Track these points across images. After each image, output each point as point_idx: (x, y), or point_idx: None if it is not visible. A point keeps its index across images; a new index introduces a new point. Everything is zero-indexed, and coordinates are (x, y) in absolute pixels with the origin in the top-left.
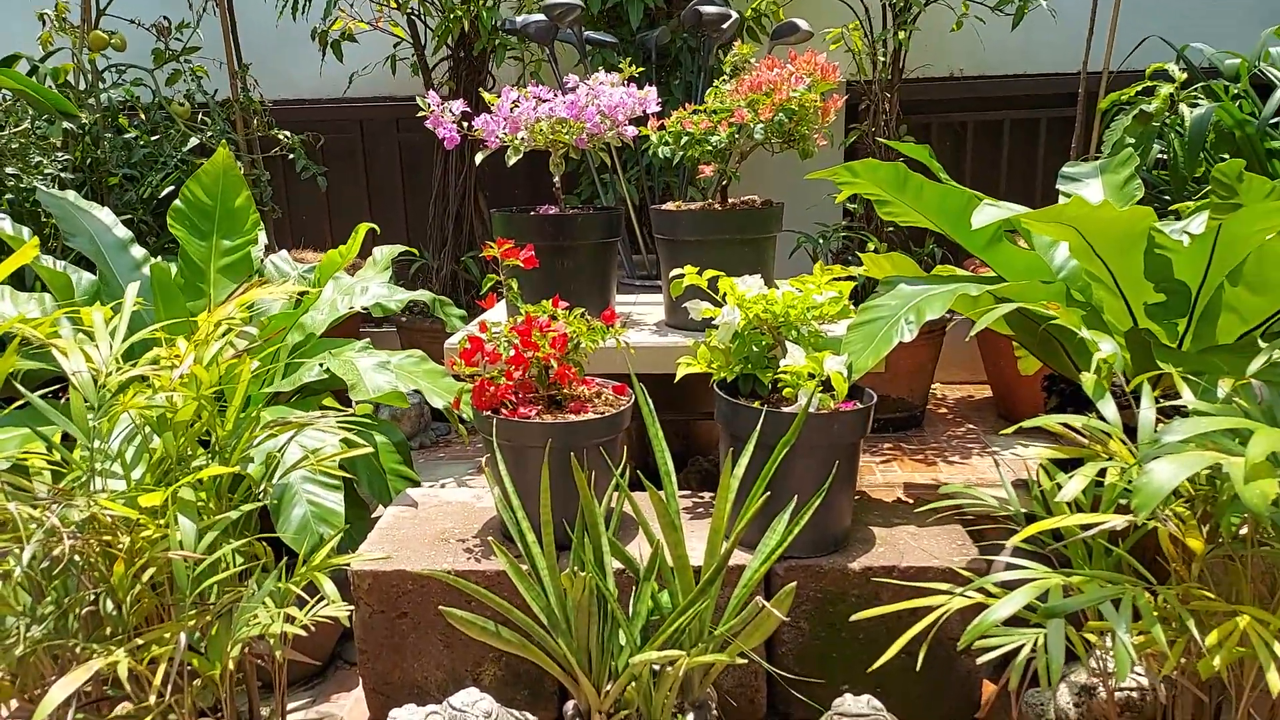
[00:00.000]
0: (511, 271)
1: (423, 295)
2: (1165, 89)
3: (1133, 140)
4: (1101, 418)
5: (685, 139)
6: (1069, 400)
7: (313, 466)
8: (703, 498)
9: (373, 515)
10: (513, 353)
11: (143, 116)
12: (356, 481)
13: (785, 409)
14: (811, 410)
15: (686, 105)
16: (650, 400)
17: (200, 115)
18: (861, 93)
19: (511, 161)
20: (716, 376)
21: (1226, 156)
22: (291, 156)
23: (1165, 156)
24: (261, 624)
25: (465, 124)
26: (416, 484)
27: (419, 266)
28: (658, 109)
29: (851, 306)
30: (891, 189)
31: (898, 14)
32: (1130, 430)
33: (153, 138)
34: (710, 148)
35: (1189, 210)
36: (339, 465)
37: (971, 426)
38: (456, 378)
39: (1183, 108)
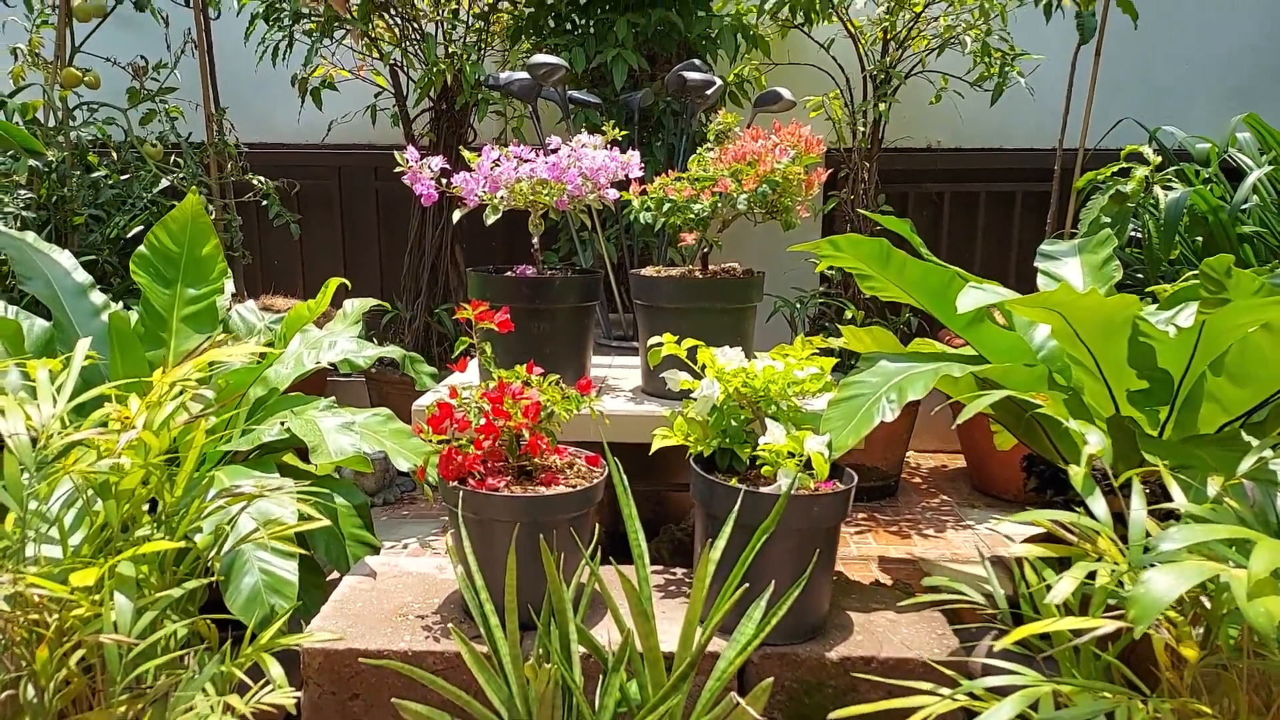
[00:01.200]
0: (485, 335)
1: (393, 351)
2: (1141, 171)
3: (1109, 219)
4: (1090, 514)
5: (668, 205)
6: (1048, 482)
7: (265, 539)
8: (674, 574)
9: (329, 579)
10: (483, 421)
11: (114, 156)
12: (313, 546)
13: (764, 489)
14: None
15: (669, 171)
16: (624, 471)
17: (173, 157)
18: (841, 161)
19: (490, 220)
20: (693, 450)
21: (1200, 239)
22: (265, 203)
23: (1139, 236)
24: (198, 714)
25: (444, 181)
26: (376, 550)
27: (391, 317)
28: (640, 174)
29: (832, 381)
30: (874, 265)
31: (878, 86)
32: (1118, 516)
33: (122, 177)
34: (693, 215)
35: (1166, 294)
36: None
37: (946, 498)
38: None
39: (1157, 190)
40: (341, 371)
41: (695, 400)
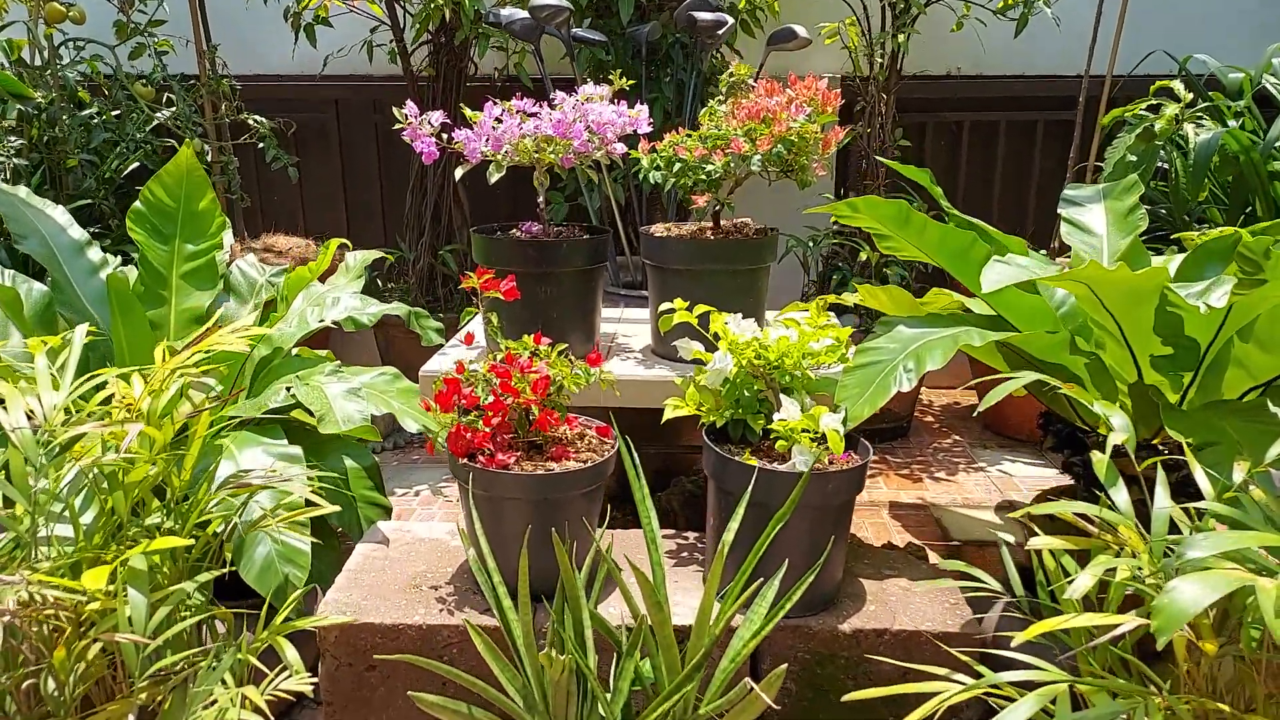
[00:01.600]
0: (491, 304)
1: (397, 308)
2: (1171, 109)
3: (1135, 158)
4: (1111, 505)
5: (679, 166)
6: (1065, 441)
7: (278, 523)
8: (686, 538)
9: (343, 546)
10: (491, 398)
11: (105, 94)
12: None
13: (779, 467)
14: (805, 470)
15: (680, 129)
16: (634, 434)
17: (165, 95)
18: (856, 91)
19: (494, 179)
20: (705, 420)
21: (1230, 179)
22: (262, 146)
23: (1165, 167)
24: (219, 709)
25: (445, 137)
26: (388, 511)
27: (395, 259)
28: (650, 129)
29: (849, 352)
30: (893, 226)
31: (897, 16)
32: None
33: (114, 113)
34: (704, 177)
35: (1195, 244)
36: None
37: (958, 438)
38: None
39: (1187, 128)
40: (345, 329)
41: (707, 371)
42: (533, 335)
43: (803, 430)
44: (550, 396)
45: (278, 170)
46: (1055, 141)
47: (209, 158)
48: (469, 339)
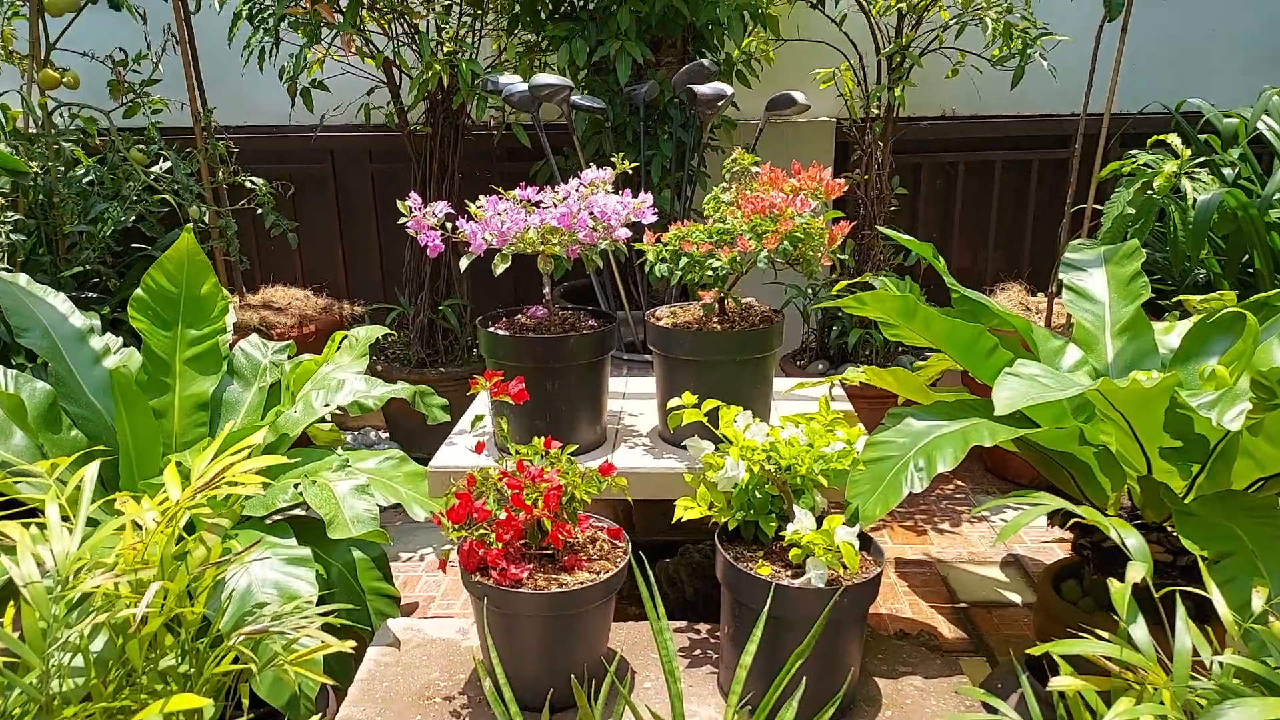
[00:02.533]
0: (500, 405)
1: (401, 390)
2: (1169, 165)
3: (1134, 210)
4: (1132, 644)
5: (684, 261)
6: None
7: (291, 660)
8: (698, 632)
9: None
10: (504, 514)
11: (100, 157)
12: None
13: (794, 583)
14: (821, 586)
15: (685, 220)
16: (645, 519)
17: (160, 157)
18: (852, 138)
19: (499, 271)
20: (716, 519)
21: (1228, 235)
22: (260, 212)
23: (1159, 227)
24: None
25: (450, 226)
26: (396, 601)
27: (396, 315)
28: (654, 218)
29: (858, 445)
30: (900, 318)
31: (894, 69)
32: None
33: (110, 175)
34: (711, 273)
35: (1197, 311)
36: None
37: (959, 482)
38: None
39: (1185, 184)
40: (352, 414)
41: (717, 476)
42: (543, 438)
43: (817, 544)
44: (564, 507)
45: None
46: (1051, 179)
47: (206, 219)
48: (480, 447)
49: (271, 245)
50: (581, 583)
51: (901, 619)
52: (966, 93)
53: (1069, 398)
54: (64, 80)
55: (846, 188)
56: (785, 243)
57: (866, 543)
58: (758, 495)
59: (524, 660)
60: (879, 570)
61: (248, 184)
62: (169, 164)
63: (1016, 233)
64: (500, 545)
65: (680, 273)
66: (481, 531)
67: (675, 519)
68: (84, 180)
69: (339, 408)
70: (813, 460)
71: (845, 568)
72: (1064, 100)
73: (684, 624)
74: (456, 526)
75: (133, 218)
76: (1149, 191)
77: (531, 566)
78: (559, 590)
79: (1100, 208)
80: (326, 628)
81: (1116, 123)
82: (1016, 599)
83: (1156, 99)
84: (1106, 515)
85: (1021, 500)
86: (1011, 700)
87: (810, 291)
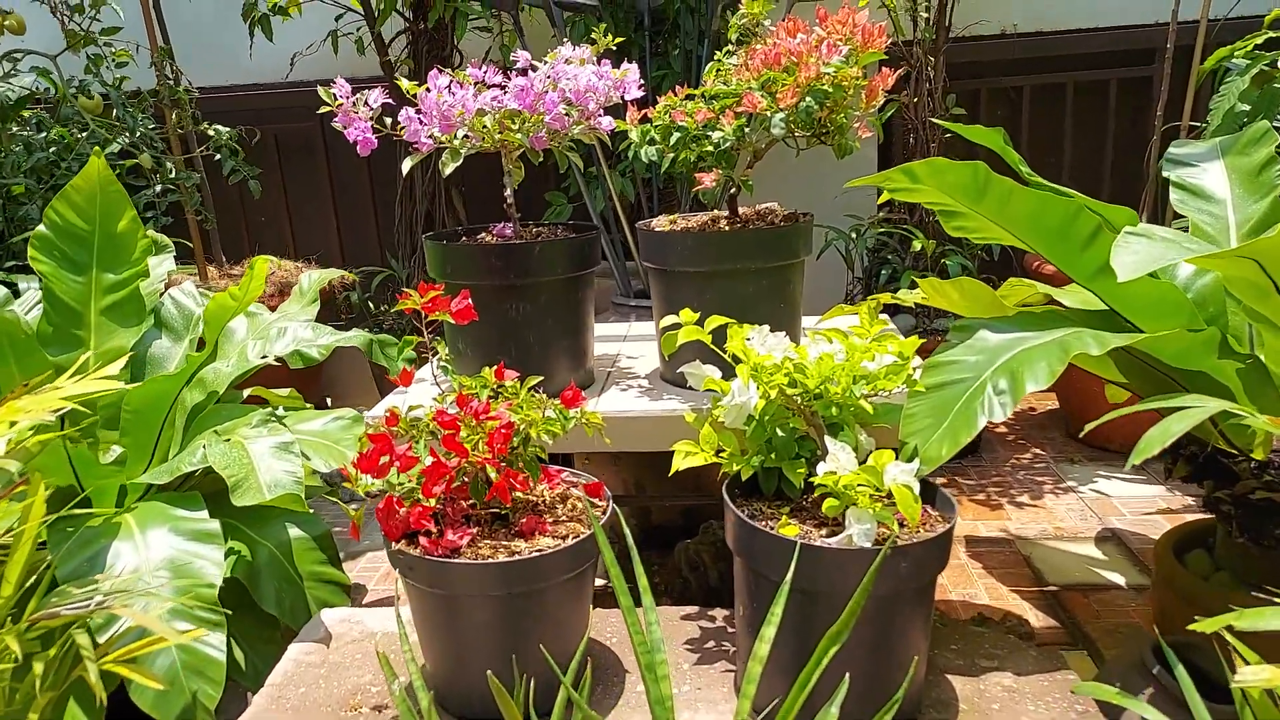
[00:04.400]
0: (448, 330)
1: (355, 338)
2: None
3: (1248, 106)
4: None
5: (676, 136)
6: (1204, 468)
7: (175, 634)
8: (714, 619)
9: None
10: (431, 460)
11: (50, 112)
12: (259, 596)
13: (829, 541)
14: (867, 545)
15: (679, 88)
16: (645, 481)
17: (114, 112)
18: (900, 56)
19: (448, 170)
20: (727, 468)
21: None
22: (219, 158)
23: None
24: None
25: (390, 121)
26: (347, 589)
27: (384, 278)
28: (641, 93)
29: (915, 369)
30: (966, 198)
31: None
32: None
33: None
34: (711, 148)
35: None
36: (236, 570)
37: (1039, 450)
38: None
39: None
40: (292, 366)
41: (724, 407)
42: (495, 368)
43: (860, 486)
44: (515, 452)
45: (263, 185)
46: (1131, 101)
47: (172, 174)
48: (406, 377)
49: (262, 217)
50: (540, 550)
51: (977, 605)
52: (1031, 7)
53: (1182, 286)
54: (6, 24)
55: (893, 111)
56: (807, 99)
57: (929, 492)
58: (779, 434)
59: (468, 656)
60: (948, 526)
61: (210, 131)
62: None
63: (1094, 163)
64: (430, 502)
65: (672, 152)
66: (407, 486)
67: (673, 470)
68: (26, 135)
69: (277, 358)
70: (851, 379)
71: (901, 522)
72: (1141, 7)
73: (694, 609)
74: (371, 479)
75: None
76: (1270, 82)
77: (475, 531)
78: (508, 560)
79: (1197, 123)
80: (261, 619)
81: (1218, 29)
82: (1119, 580)
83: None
84: (1251, 458)
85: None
86: (1142, 699)
87: (854, 234)
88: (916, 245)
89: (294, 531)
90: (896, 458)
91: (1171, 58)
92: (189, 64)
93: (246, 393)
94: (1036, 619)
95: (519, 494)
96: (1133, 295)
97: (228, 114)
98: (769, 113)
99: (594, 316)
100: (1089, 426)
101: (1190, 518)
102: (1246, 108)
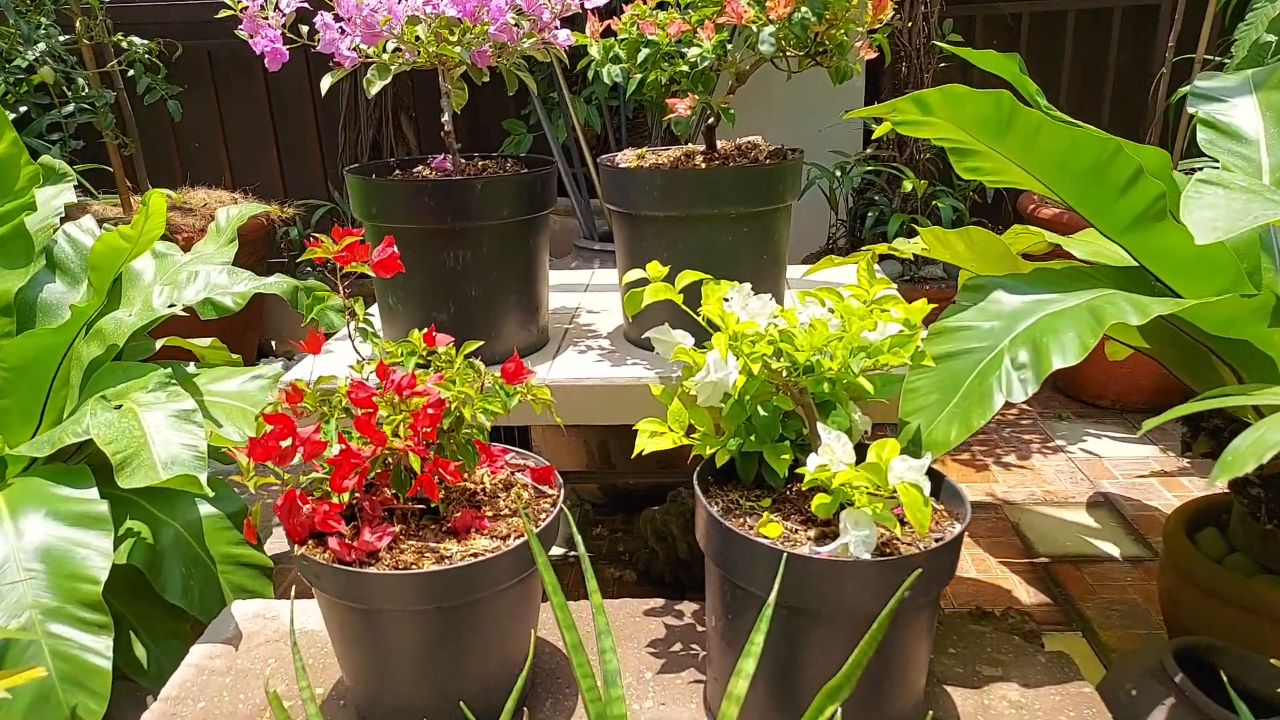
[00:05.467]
0: (383, 292)
1: (276, 285)
2: None
3: (1276, 37)
4: None
5: (645, 52)
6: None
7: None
8: (680, 614)
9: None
10: (339, 449)
11: None
12: (163, 585)
13: (819, 552)
14: (866, 556)
15: None
16: (610, 454)
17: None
18: None
19: (373, 90)
20: (699, 450)
21: None
22: (131, 73)
23: None
24: None
25: (308, 31)
26: (269, 573)
27: (327, 211)
28: (602, 1)
29: (920, 338)
30: (985, 133)
31: None
32: None
33: None
34: (686, 68)
35: None
36: (133, 556)
37: (1025, 406)
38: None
39: None
40: (204, 317)
41: (697, 382)
42: (425, 331)
43: (857, 486)
44: (446, 435)
45: (198, 109)
46: (1135, 33)
47: (85, 91)
48: (315, 342)
49: (195, 143)
50: (476, 554)
51: (966, 580)
52: None
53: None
54: None
55: (884, 36)
56: (803, 9)
57: (935, 482)
58: (761, 413)
59: (392, 676)
60: (960, 530)
61: (124, 44)
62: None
63: (1092, 97)
64: (341, 497)
65: (640, 72)
66: (314, 477)
67: (636, 452)
68: None
69: (185, 308)
70: (848, 352)
71: (902, 520)
72: None
73: (659, 604)
74: (267, 467)
75: None
76: None
77: (398, 530)
78: (435, 569)
79: (1214, 58)
80: (167, 608)
81: None
82: (1113, 550)
83: None
84: None
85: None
86: (1159, 714)
87: (838, 172)
88: (907, 186)
89: (205, 508)
90: (897, 438)
91: None
92: None
93: (160, 343)
94: (1027, 595)
95: (434, 498)
96: (1172, 252)
97: (150, 26)
98: (756, 25)
99: (550, 262)
100: (1150, 424)
101: (1183, 481)
102: (1273, 38)
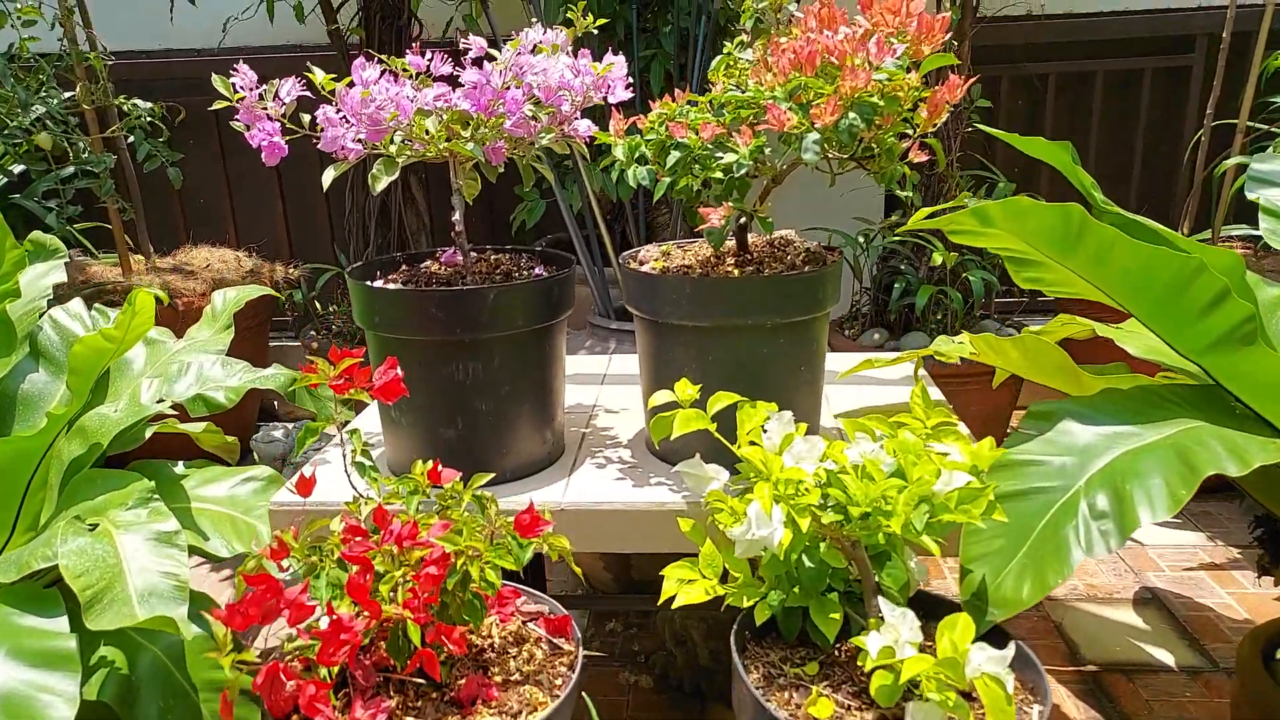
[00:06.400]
0: (385, 411)
1: (272, 379)
2: None
3: None
4: None
5: (675, 156)
6: None
7: None
8: None
9: None
10: (329, 620)
11: None
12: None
13: None
14: None
15: (679, 92)
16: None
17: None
18: None
19: (378, 186)
20: (735, 602)
21: None
22: (131, 140)
23: None
24: None
25: (310, 120)
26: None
27: (332, 277)
28: (629, 94)
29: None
30: (1051, 247)
31: None
32: None
33: None
34: (720, 174)
35: None
36: (104, 691)
37: None
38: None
39: None
40: (194, 415)
41: (736, 536)
42: (429, 465)
43: (928, 674)
44: (451, 595)
45: (202, 167)
46: (1165, 94)
47: (86, 154)
48: (305, 485)
49: (200, 199)
50: None
51: None
52: None
53: None
54: None
55: (945, 37)
56: (850, 114)
57: (999, 637)
58: (806, 564)
59: None
60: (1045, 717)
61: (126, 108)
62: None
63: (1120, 162)
64: (326, 678)
65: (669, 177)
66: (299, 645)
67: (662, 599)
68: None
69: (174, 406)
70: (910, 505)
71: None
72: None
73: None
74: (243, 639)
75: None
76: None
77: (394, 704)
78: None
79: (1258, 125)
80: None
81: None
82: (1166, 659)
83: None
84: None
85: None
86: None
87: (861, 240)
88: (936, 259)
89: (196, 630)
90: (959, 584)
91: (1228, 46)
92: (108, 28)
93: (151, 430)
94: (1078, 711)
95: (432, 674)
96: (1261, 375)
97: (156, 83)
98: (800, 132)
99: (565, 349)
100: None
101: (1236, 576)
102: None
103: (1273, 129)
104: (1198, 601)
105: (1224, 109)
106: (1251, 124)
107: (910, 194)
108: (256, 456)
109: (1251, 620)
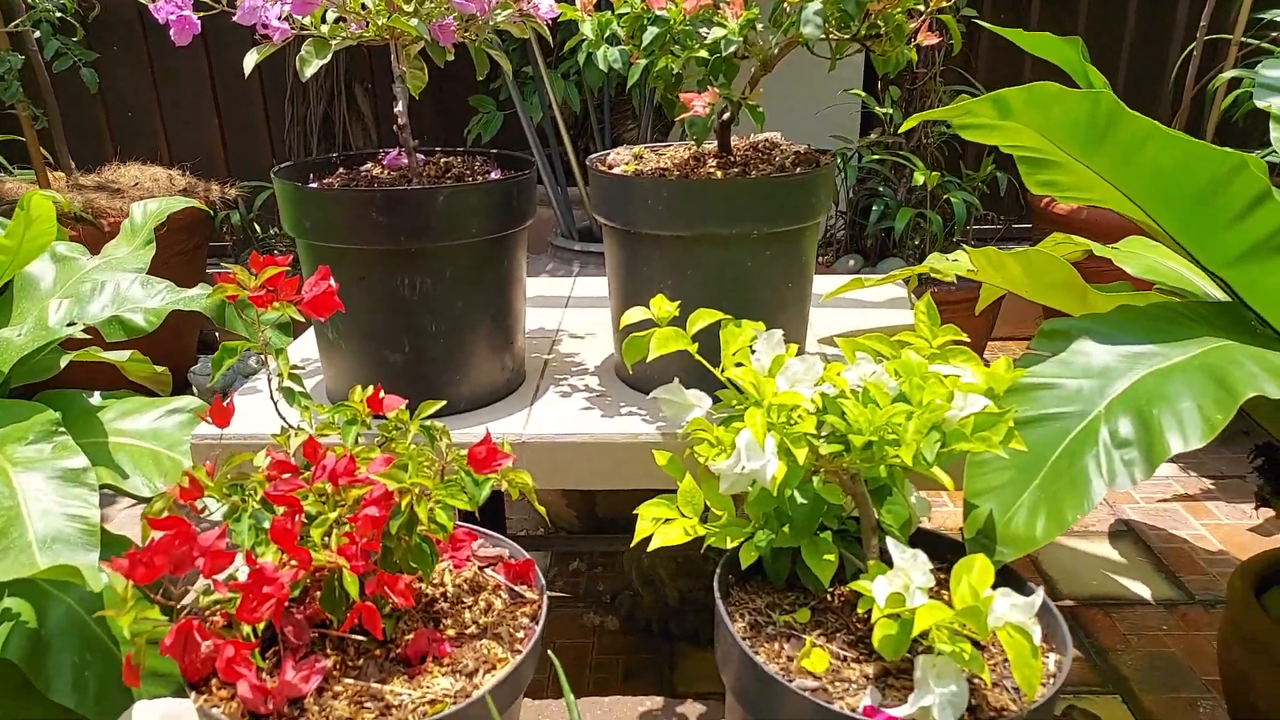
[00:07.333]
0: (322, 330)
1: (201, 299)
2: None
3: None
4: None
5: (653, 33)
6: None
7: None
8: (680, 704)
9: None
10: (249, 572)
11: None
12: (45, 680)
13: (896, 714)
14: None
15: None
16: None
17: None
18: None
19: (308, 71)
20: (718, 542)
21: None
22: (38, 34)
23: None
24: None
25: None
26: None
27: (270, 195)
28: None
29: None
30: (1075, 142)
31: None
32: None
33: None
34: (705, 53)
35: None
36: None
37: None
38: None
39: None
40: (111, 339)
41: (723, 470)
42: (369, 391)
43: (941, 624)
44: (395, 540)
45: (131, 74)
46: (1151, 8)
47: None
48: (222, 413)
49: (129, 112)
50: (434, 699)
51: None
52: None
53: None
54: None
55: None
56: None
57: (1014, 581)
58: (798, 500)
59: None
60: (1062, 678)
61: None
62: None
63: (1106, 72)
64: (250, 636)
65: (645, 59)
66: (217, 598)
67: (636, 539)
68: None
69: (86, 329)
70: (921, 433)
71: (999, 681)
72: None
73: (657, 703)
74: (145, 594)
75: None
76: None
77: (331, 661)
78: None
79: (1250, 40)
80: (50, 712)
81: None
82: (1144, 592)
83: None
84: None
85: None
86: None
87: (840, 159)
88: (918, 178)
89: (100, 576)
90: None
91: None
92: None
93: (68, 358)
94: None
95: (376, 628)
96: (1259, 279)
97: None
98: (799, 4)
99: (526, 267)
100: None
101: (1210, 506)
102: None
103: (1264, 44)
104: (1172, 533)
105: (1212, 26)
106: (1245, 40)
107: (890, 110)
108: (195, 391)
109: (1226, 551)
